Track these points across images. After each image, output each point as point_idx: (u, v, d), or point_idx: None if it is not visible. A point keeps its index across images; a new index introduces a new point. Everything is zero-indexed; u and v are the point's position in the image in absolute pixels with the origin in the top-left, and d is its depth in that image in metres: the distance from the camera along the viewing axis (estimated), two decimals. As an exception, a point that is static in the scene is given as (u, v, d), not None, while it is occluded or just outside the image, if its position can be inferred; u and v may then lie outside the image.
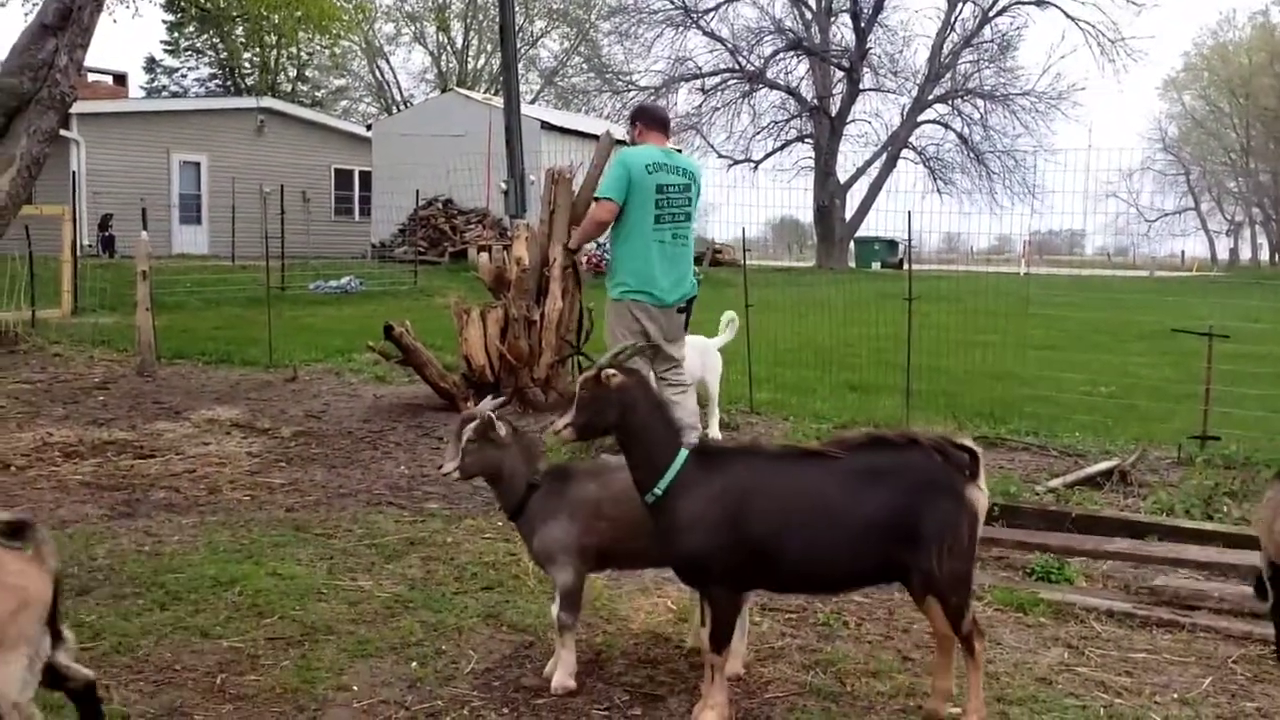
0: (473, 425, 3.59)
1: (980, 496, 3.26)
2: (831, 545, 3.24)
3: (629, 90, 42.08)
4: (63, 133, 14.82)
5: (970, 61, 41.07)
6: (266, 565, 4.67)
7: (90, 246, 24.00)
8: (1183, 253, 56.90)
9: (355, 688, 3.52)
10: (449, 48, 52.69)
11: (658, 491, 3.27)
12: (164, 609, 4.20)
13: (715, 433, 7.64)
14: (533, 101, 44.53)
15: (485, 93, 36.24)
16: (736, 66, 40.77)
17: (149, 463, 6.67)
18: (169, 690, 3.52)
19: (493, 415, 3.62)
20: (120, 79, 32.70)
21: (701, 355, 7.72)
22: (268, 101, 32.59)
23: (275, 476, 6.38)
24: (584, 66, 51.26)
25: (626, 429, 3.34)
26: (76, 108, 16.39)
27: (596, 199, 6.38)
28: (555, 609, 3.59)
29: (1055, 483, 6.38)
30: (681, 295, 6.40)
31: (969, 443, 3.32)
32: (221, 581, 4.47)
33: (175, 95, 45.04)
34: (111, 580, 4.50)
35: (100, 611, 4.14)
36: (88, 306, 15.39)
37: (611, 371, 3.36)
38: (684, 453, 3.30)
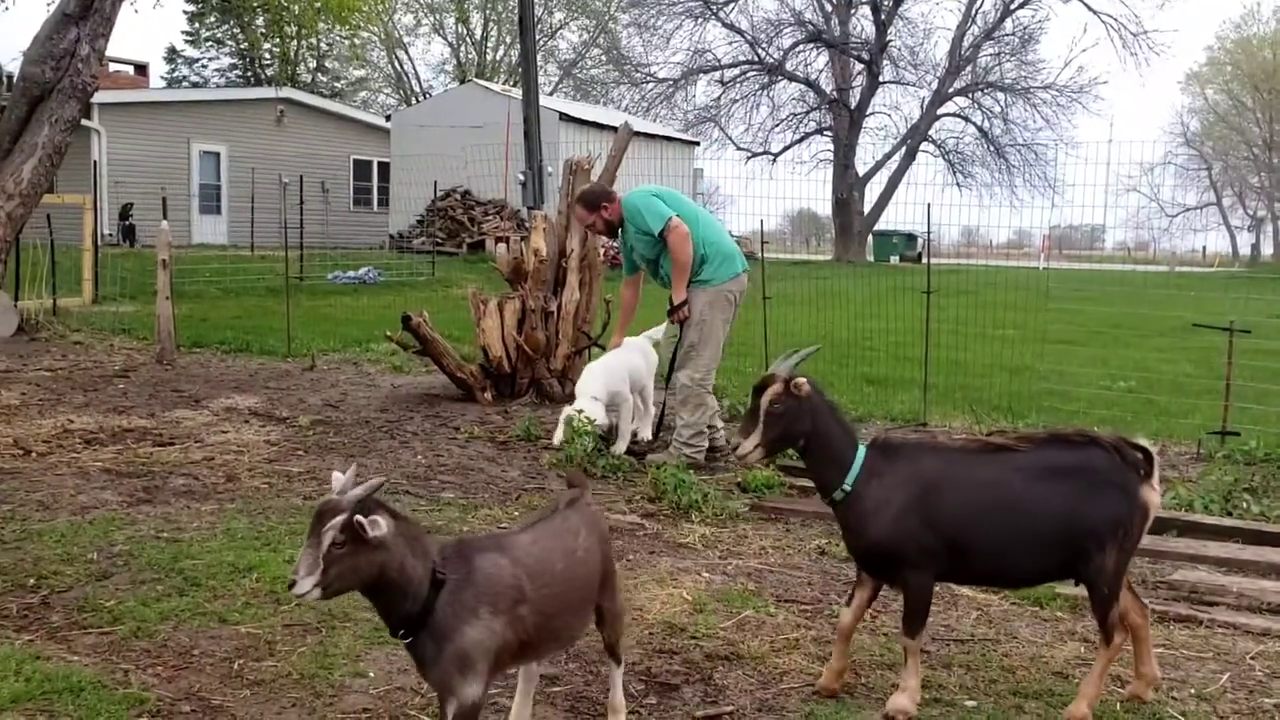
0: (337, 523, 2.46)
1: (1154, 496, 3.32)
2: (1019, 539, 3.28)
3: (647, 82, 42.07)
4: (84, 122, 14.90)
5: (991, 54, 40.88)
6: (284, 552, 4.69)
7: (111, 235, 24.15)
8: (1204, 248, 56.61)
9: (371, 674, 3.53)
10: (468, 39, 52.72)
11: (846, 487, 3.33)
12: (182, 595, 4.22)
13: (647, 434, 7.36)
14: (551, 93, 44.50)
15: (504, 84, 36.26)
16: (756, 58, 40.67)
17: (168, 450, 6.71)
18: (187, 675, 3.54)
19: (362, 503, 2.52)
20: (141, 69, 32.90)
21: (645, 356, 7.43)
22: (287, 92, 32.70)
23: (293, 465, 6.41)
24: (602, 58, 51.24)
25: (817, 435, 3.37)
26: (98, 97, 16.50)
27: (666, 231, 6.66)
28: None
29: (1073, 477, 6.34)
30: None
31: (1145, 442, 3.36)
32: (239, 568, 4.50)
33: (196, 85, 45.21)
34: (130, 566, 4.53)
35: (119, 596, 4.17)
36: (108, 295, 15.48)
37: (802, 380, 3.35)
38: (863, 447, 3.37)
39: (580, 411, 6.65)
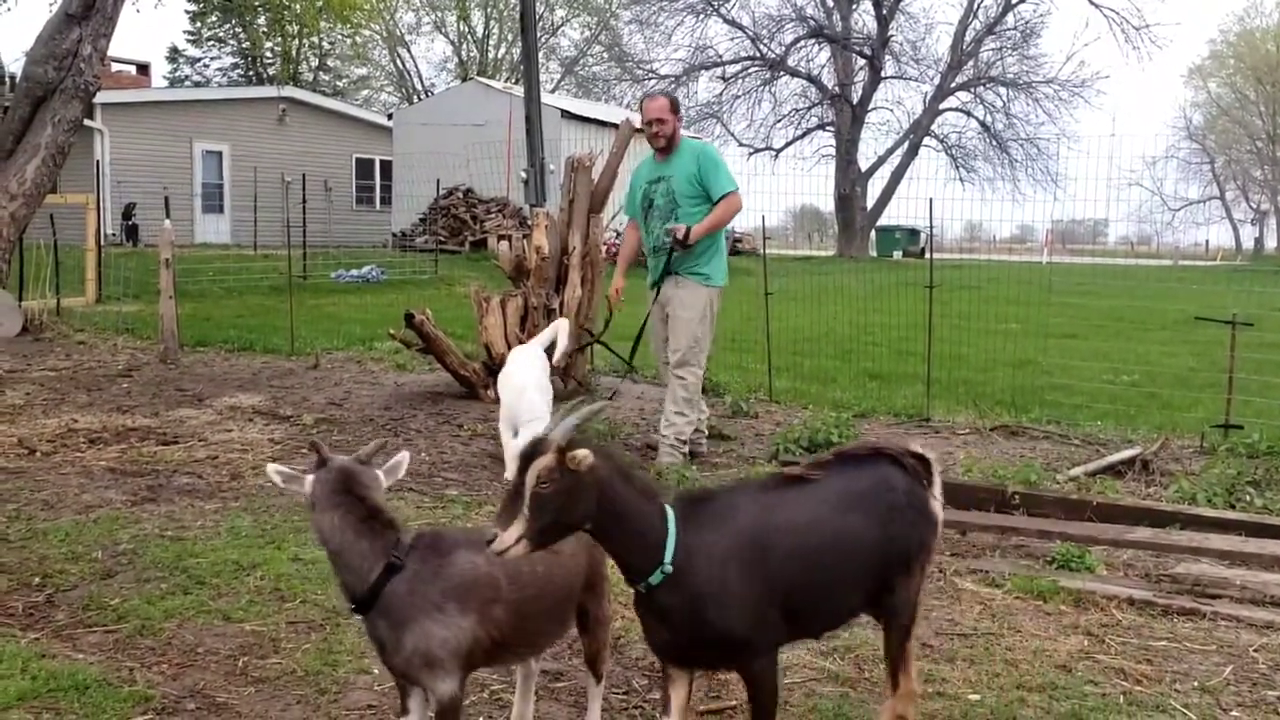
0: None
1: (939, 508, 3.01)
2: (840, 583, 2.87)
3: (649, 79, 42.01)
4: (86, 122, 14.91)
5: (993, 49, 40.85)
6: (288, 550, 4.71)
7: (114, 235, 24.17)
8: (1206, 241, 56.50)
9: (376, 671, 3.54)
10: (470, 37, 52.70)
11: (667, 567, 2.57)
12: (187, 593, 4.23)
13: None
14: (553, 90, 44.50)
15: (506, 82, 36.26)
16: (757, 54, 40.64)
17: (172, 449, 6.72)
18: (192, 673, 3.55)
19: (285, 470, 2.64)
20: (143, 69, 32.94)
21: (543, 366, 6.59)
22: (289, 91, 32.71)
23: (297, 463, 6.40)
24: (604, 55, 51.20)
25: (607, 515, 2.54)
26: (100, 97, 16.53)
27: (730, 195, 6.48)
28: None
29: (1076, 471, 6.36)
30: None
31: (923, 450, 3.03)
32: (244, 566, 4.51)
33: (198, 85, 45.26)
34: (135, 564, 4.54)
35: (124, 595, 4.19)
36: (111, 295, 15.50)
37: (582, 452, 2.45)
38: (670, 513, 2.63)
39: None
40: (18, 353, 10.28)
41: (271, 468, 2.67)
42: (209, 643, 3.78)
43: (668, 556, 2.57)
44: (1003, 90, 40.56)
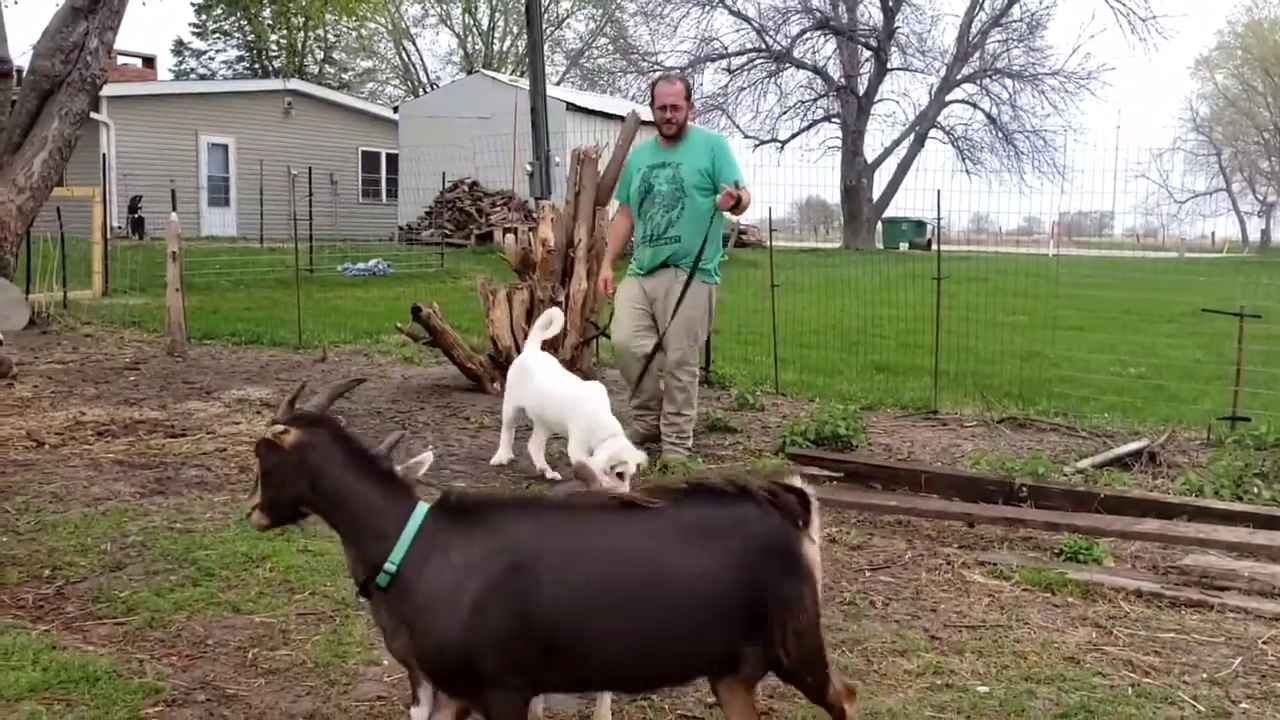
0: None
1: (815, 552, 2.58)
2: (655, 632, 2.46)
3: (654, 70, 41.93)
4: (93, 115, 14.94)
5: (999, 41, 40.78)
6: (297, 542, 4.71)
7: (120, 228, 24.19)
8: (1213, 233, 56.35)
9: (385, 662, 3.54)
10: (475, 29, 52.67)
11: (390, 567, 2.41)
12: (196, 585, 4.24)
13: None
14: (558, 83, 44.46)
15: (511, 74, 36.22)
16: (763, 46, 40.60)
17: (180, 441, 6.74)
18: (202, 664, 3.56)
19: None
20: (149, 61, 32.94)
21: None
22: (295, 84, 32.75)
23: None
24: (609, 47, 51.20)
25: (323, 498, 2.49)
26: (106, 90, 16.51)
27: (738, 189, 6.22)
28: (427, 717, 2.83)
29: (1084, 463, 6.35)
30: None
31: (801, 484, 2.63)
32: (253, 558, 4.52)
33: (203, 78, 45.27)
34: (144, 556, 4.56)
35: (133, 587, 4.20)
36: (118, 288, 15.53)
37: (280, 428, 2.48)
38: (421, 509, 2.48)
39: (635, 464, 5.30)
40: (25, 346, 10.30)
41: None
42: (218, 634, 3.79)
43: (394, 557, 2.41)
44: (1009, 82, 40.53)
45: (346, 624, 3.87)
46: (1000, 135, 40.45)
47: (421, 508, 2.48)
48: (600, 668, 2.49)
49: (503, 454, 6.39)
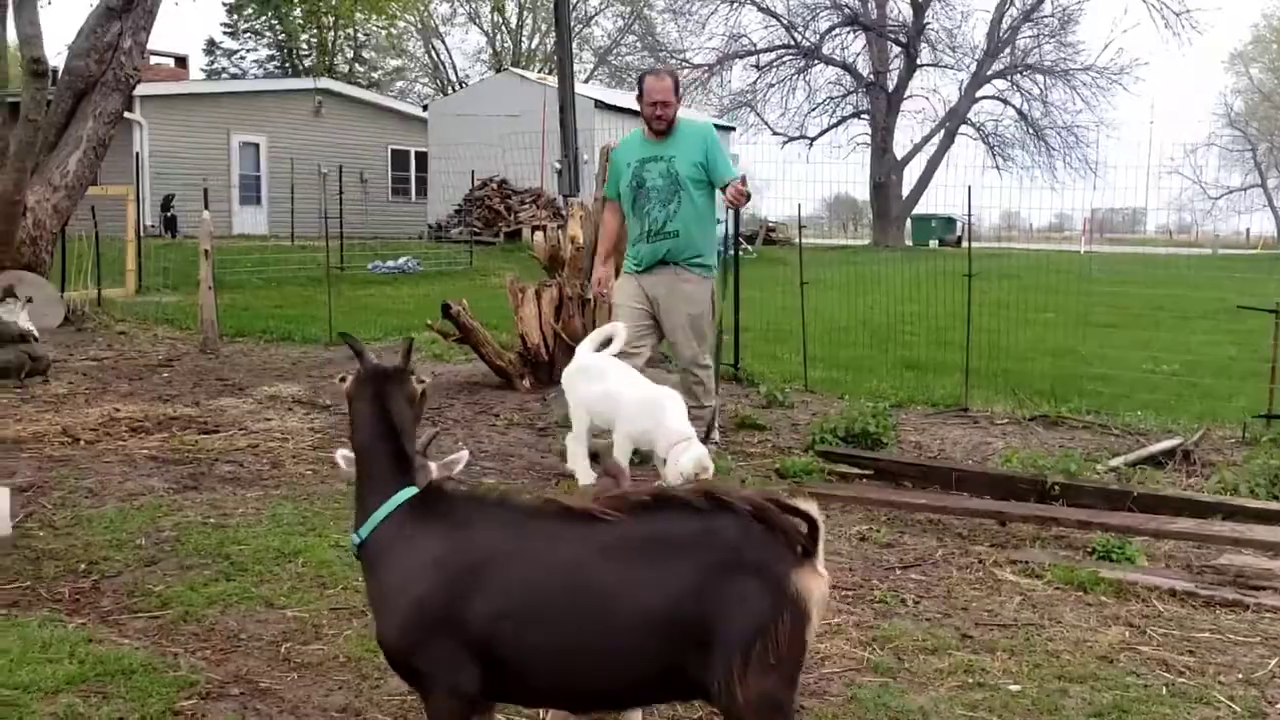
0: None
1: (815, 583, 2.29)
2: (594, 647, 2.31)
3: (683, 68, 41.90)
4: (126, 114, 15.07)
5: (1030, 36, 40.43)
6: (329, 537, 4.75)
7: (153, 227, 24.42)
8: (1247, 230, 55.69)
9: (416, 657, 3.57)
10: (504, 27, 52.80)
11: (355, 538, 2.52)
12: (229, 579, 4.28)
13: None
14: (587, 80, 44.48)
15: (540, 72, 36.29)
16: (792, 43, 40.45)
17: (213, 438, 6.80)
18: (235, 658, 3.60)
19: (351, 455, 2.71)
20: (181, 61, 33.18)
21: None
22: (325, 83, 32.93)
23: (337, 451, 6.47)
24: (638, 45, 51.16)
25: (354, 447, 2.61)
26: (139, 90, 16.68)
27: (735, 178, 6.13)
28: None
29: (1117, 462, 6.30)
30: None
31: (806, 506, 2.35)
32: (285, 553, 4.56)
33: (235, 77, 45.59)
34: (178, 552, 4.60)
35: (168, 581, 4.24)
36: (151, 285, 15.69)
37: (341, 375, 2.67)
38: (406, 492, 2.49)
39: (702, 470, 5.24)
40: (61, 343, 10.41)
41: (339, 454, 2.89)
42: (252, 629, 3.83)
43: (363, 530, 2.48)
44: (1040, 78, 40.17)
45: (378, 619, 3.89)
46: (1031, 131, 40.13)
47: (407, 491, 2.48)
48: (537, 681, 2.39)
49: (585, 473, 5.80)
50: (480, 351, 8.86)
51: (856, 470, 6.21)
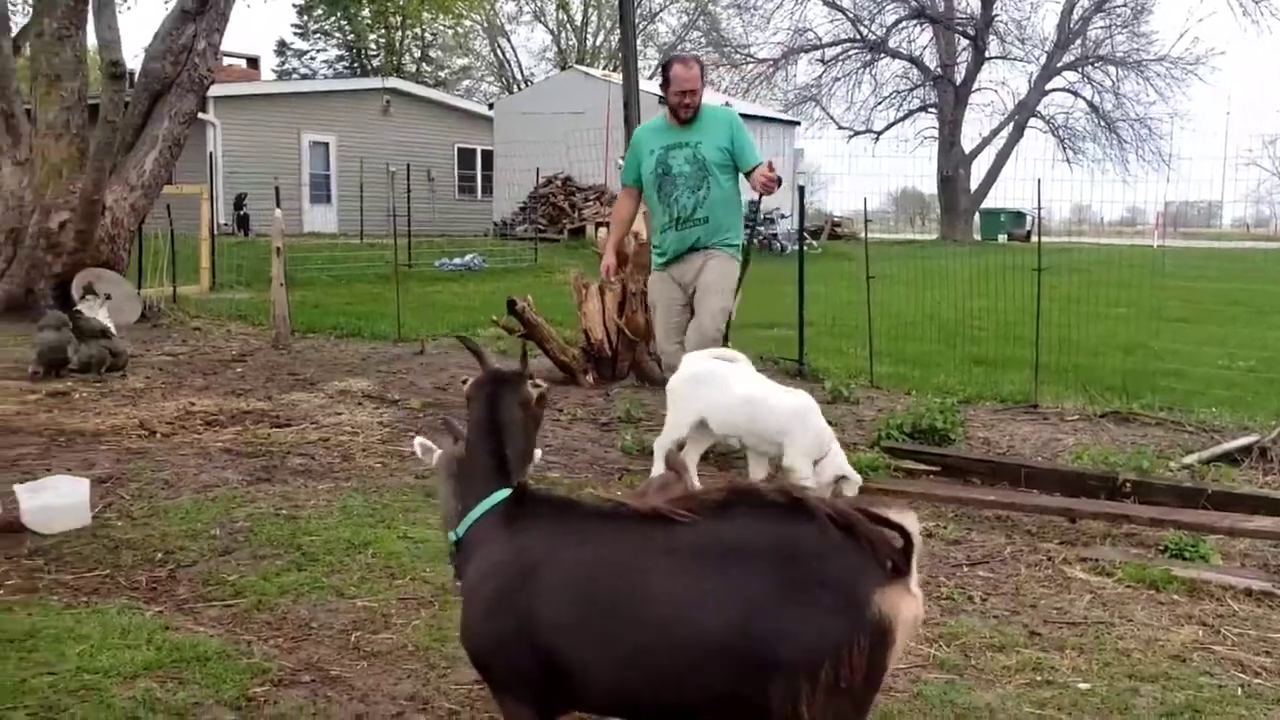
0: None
1: (904, 604, 2.10)
2: (653, 663, 2.18)
3: (747, 63, 41.79)
4: (200, 115, 15.38)
5: (1102, 27, 39.66)
6: (398, 529, 4.82)
7: (226, 225, 24.91)
8: (1331, 223, 54.08)
9: (483, 648, 3.61)
10: (569, 25, 53.01)
11: (453, 536, 2.54)
12: (301, 569, 4.36)
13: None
14: (651, 77, 44.48)
15: (604, 69, 36.37)
16: (858, 36, 40.10)
17: (285, 431, 6.92)
18: (306, 646, 3.66)
19: (426, 443, 2.96)
20: (253, 62, 33.81)
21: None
22: (393, 82, 33.33)
23: (405, 445, 6.55)
24: (702, 41, 51.05)
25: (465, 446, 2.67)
26: (212, 90, 17.05)
27: (760, 163, 6.07)
28: None
29: (1190, 459, 6.18)
30: None
31: (901, 518, 2.15)
32: (355, 544, 4.63)
33: (305, 77, 46.32)
34: (251, 542, 4.70)
35: (241, 571, 4.33)
36: (225, 282, 16.00)
37: (465, 379, 2.78)
38: (501, 493, 2.48)
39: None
40: (138, 339, 10.66)
41: (417, 440, 3.02)
42: (322, 618, 3.89)
43: (460, 527, 2.51)
44: (1112, 69, 39.41)
45: (445, 609, 3.94)
46: (1103, 124, 39.39)
47: (501, 493, 2.48)
48: (599, 691, 2.29)
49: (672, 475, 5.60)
50: (544, 347, 8.92)
51: (923, 466, 6.15)
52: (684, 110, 6.18)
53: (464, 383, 2.76)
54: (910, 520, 2.14)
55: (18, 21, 17.65)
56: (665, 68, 6.33)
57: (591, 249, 10.36)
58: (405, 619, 3.88)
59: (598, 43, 52.07)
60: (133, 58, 14.47)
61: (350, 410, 7.60)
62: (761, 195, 6.00)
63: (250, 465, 6.05)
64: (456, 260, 20.52)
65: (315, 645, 3.68)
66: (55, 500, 4.84)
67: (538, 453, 2.86)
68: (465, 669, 3.47)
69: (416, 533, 4.76)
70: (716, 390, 5.36)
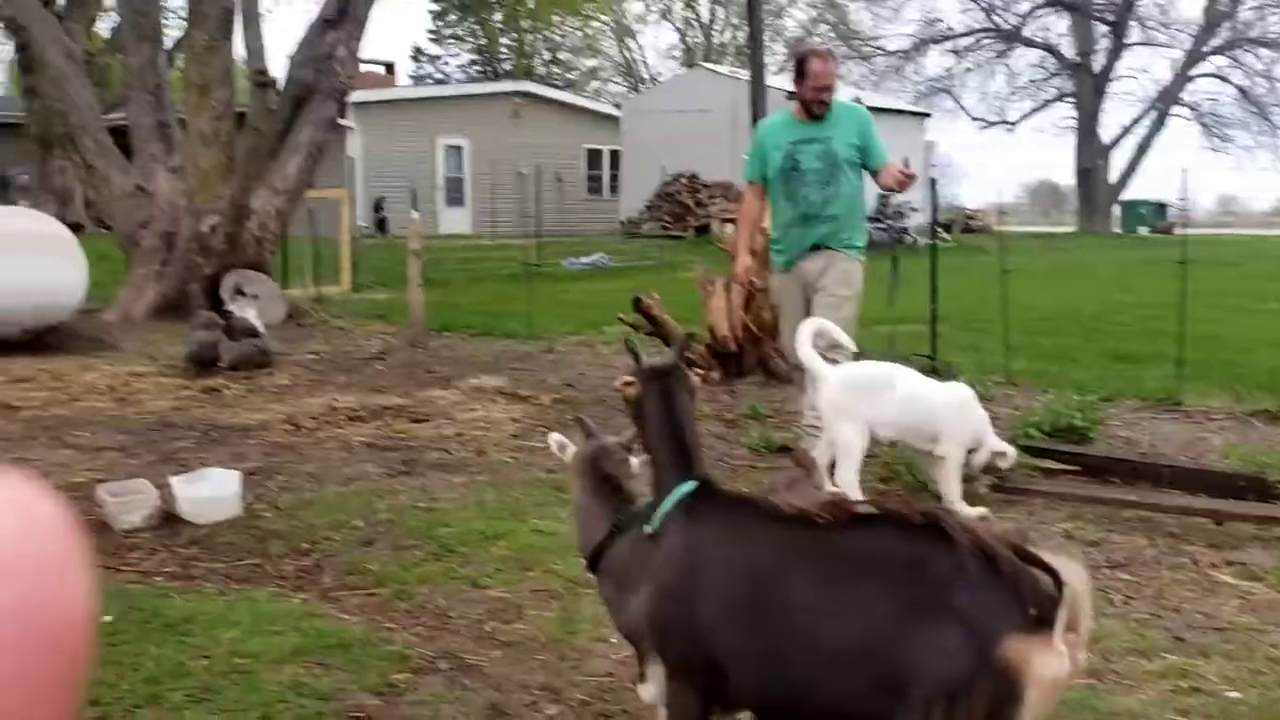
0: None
1: (1040, 659, 1.90)
2: (789, 666, 2.18)
3: (876, 55, 41.21)
4: (340, 121, 15.89)
5: (1253, 8, 37.92)
6: (529, 522, 4.92)
7: (365, 228, 25.69)
8: None
9: (613, 640, 3.64)
10: (696, 23, 53.06)
11: (649, 528, 2.52)
12: (438, 560, 4.49)
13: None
14: (778, 73, 44.24)
15: (731, 66, 36.30)
16: (991, 25, 39.18)
17: (422, 426, 7.12)
18: (444, 635, 3.77)
19: (562, 439, 3.05)
20: (389, 68, 34.74)
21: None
22: (524, 85, 33.84)
23: (536, 441, 6.67)
24: (830, 34, 50.53)
25: (644, 446, 2.69)
26: (351, 97, 17.61)
27: (885, 167, 6.00)
28: (657, 695, 2.69)
29: (1350, 460, 5.87)
30: None
31: (1058, 562, 1.97)
32: (489, 536, 4.74)
33: (439, 82, 47.39)
34: (392, 533, 4.85)
35: (382, 561, 4.48)
36: (364, 283, 16.49)
37: (627, 379, 2.71)
38: (687, 485, 2.48)
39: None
40: (283, 338, 11.08)
41: (552, 437, 3.09)
42: (459, 608, 4.00)
43: (654, 520, 2.48)
44: (1264, 52, 37.65)
45: (576, 602, 4.01)
46: (1254, 110, 37.65)
47: (688, 485, 2.47)
48: (748, 691, 2.31)
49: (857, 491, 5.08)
50: (669, 344, 8.97)
51: (1061, 466, 5.99)
52: (819, 106, 6.03)
53: (625, 384, 2.70)
54: (1070, 568, 1.95)
55: (172, 35, 18.49)
56: (801, 61, 6.14)
57: (717, 245, 10.37)
58: (537, 610, 3.96)
59: (724, 40, 52.03)
60: (275, 66, 14.97)
61: (484, 406, 7.77)
62: (892, 191, 5.91)
63: (390, 459, 6.24)
64: (583, 259, 20.76)
65: (452, 634, 3.78)
66: (209, 492, 5.09)
67: None
68: (597, 661, 3.55)
69: (546, 526, 4.85)
70: (879, 395, 5.15)
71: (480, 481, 5.73)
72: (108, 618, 3.74)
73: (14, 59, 28.49)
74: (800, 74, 6.07)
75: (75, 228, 11.77)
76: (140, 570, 4.38)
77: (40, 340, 9.87)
